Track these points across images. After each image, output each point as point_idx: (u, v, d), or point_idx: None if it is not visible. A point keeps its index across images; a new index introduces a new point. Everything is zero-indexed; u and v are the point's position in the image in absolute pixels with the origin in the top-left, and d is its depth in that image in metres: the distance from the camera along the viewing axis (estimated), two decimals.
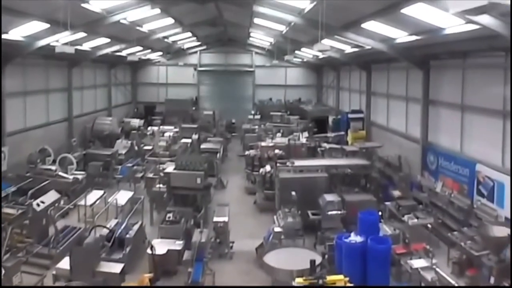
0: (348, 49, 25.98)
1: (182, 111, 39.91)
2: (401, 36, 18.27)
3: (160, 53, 40.89)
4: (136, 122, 35.02)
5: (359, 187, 19.10)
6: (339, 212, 15.62)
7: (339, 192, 17.76)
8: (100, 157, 24.80)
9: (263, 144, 23.03)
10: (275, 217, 16.08)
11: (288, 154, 23.52)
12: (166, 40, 33.28)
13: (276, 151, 22.85)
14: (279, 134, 27.07)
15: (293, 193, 15.71)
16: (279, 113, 37.55)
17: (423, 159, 21.23)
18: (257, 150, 23.09)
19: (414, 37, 17.61)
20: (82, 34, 22.89)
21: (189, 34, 33.40)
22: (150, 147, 29.34)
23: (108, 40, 27.14)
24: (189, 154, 23.56)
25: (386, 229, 14.45)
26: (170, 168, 18.54)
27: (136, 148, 27.93)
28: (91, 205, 18.71)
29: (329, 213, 15.49)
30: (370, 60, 27.88)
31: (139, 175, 22.68)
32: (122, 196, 19.65)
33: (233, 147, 35.48)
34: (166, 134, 28.42)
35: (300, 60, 41.52)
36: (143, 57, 40.37)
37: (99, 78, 36.71)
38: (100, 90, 36.93)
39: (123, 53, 34.57)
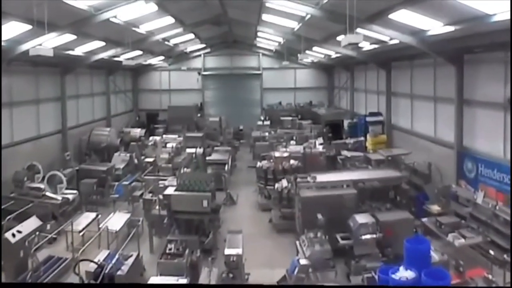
0: (367, 46, 23.48)
1: (186, 118, 37.45)
2: (435, 27, 15.77)
3: (162, 57, 38.66)
4: (136, 132, 32.49)
5: (389, 202, 16.55)
6: (374, 235, 13.07)
7: (369, 209, 15.25)
8: (95, 173, 22.40)
9: (276, 154, 20.48)
10: (297, 243, 13.54)
11: (305, 164, 21.03)
12: (166, 43, 30.94)
13: (292, 161, 20.33)
14: (292, 142, 24.51)
15: (319, 216, 13.18)
16: (290, 118, 35.04)
17: (458, 166, 18.71)
18: (270, 161, 20.57)
19: (450, 28, 15.12)
20: (71, 37, 20.58)
21: (192, 35, 30.94)
22: (152, 159, 26.90)
23: (102, 43, 24.83)
24: (192, 171, 20.82)
25: (432, 255, 11.88)
26: (170, 188, 16.02)
27: (135, 161, 25.48)
28: (80, 231, 16.30)
29: (363, 237, 12.94)
30: (390, 58, 25.41)
31: (138, 193, 20.17)
32: (118, 219, 17.25)
33: (242, 156, 33.04)
34: (169, 145, 25.88)
35: (310, 61, 39.06)
36: (144, 63, 38.28)
37: (96, 85, 34.35)
38: (97, 98, 34.55)
39: (121, 58, 32.30)
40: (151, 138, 30.88)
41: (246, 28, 30.01)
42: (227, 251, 12.41)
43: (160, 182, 20.58)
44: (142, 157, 26.70)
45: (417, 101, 23.42)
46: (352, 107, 34.39)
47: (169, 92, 43.01)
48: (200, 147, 18.02)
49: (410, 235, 14.43)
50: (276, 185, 18.02)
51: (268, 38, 32.08)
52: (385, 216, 14.31)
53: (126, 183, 20.70)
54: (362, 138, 25.88)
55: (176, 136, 34.08)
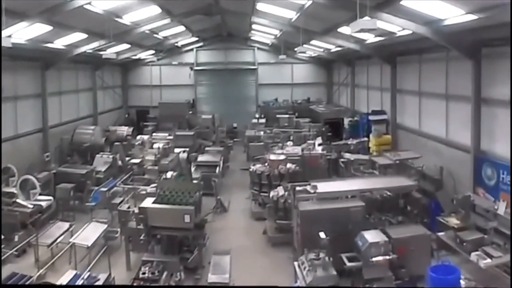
0: (371, 39, 21.56)
1: (177, 115, 35.46)
2: (454, 16, 13.84)
3: (152, 51, 36.67)
4: (123, 130, 30.40)
5: (400, 212, 14.66)
6: (387, 257, 11.14)
7: (378, 223, 13.35)
8: (73, 177, 20.42)
9: (272, 157, 18.53)
10: (296, 264, 11.61)
11: (303, 168, 19.13)
12: (156, 35, 28.90)
13: (289, 165, 18.41)
14: (290, 143, 22.56)
15: (322, 234, 11.23)
16: (287, 116, 33.10)
17: (475, 172, 16.76)
18: (264, 165, 18.65)
19: (471, 17, 13.21)
20: (46, 27, 18.61)
21: (182, 27, 28.90)
22: (138, 161, 24.93)
23: (83, 35, 22.78)
24: (175, 179, 18.74)
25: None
26: (149, 199, 14.02)
27: (120, 163, 23.49)
28: (49, 246, 14.39)
29: (374, 259, 11.00)
30: (396, 52, 23.48)
31: (118, 200, 18.17)
32: (93, 230, 15.25)
33: (235, 156, 31.12)
34: (155, 146, 23.84)
35: (308, 55, 37.11)
36: (133, 57, 36.28)
37: (82, 81, 32.28)
38: (83, 94, 32.50)
39: (108, 52, 30.28)
40: (138, 137, 28.87)
41: (240, 19, 27.99)
42: (211, 278, 10.46)
43: (142, 188, 18.80)
44: (128, 158, 24.77)
45: (426, 99, 21.49)
46: (352, 105, 32.44)
47: (160, 88, 41.01)
48: (184, 151, 15.88)
49: (426, 253, 12.63)
50: (271, 193, 16.09)
51: (263, 31, 30.08)
52: (397, 231, 12.36)
53: (105, 189, 18.65)
54: (365, 139, 23.94)
55: (167, 134, 32.20)
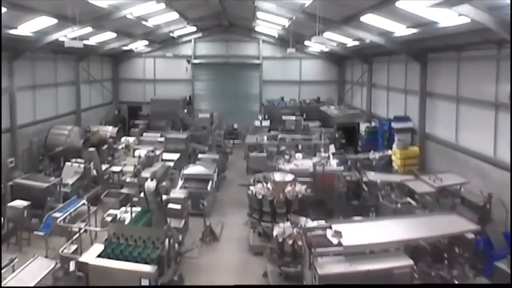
0: (401, 31, 17.64)
1: (171, 113, 31.72)
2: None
3: (145, 42, 32.77)
4: (107, 130, 26.50)
5: (453, 263, 10.81)
6: None
7: (426, 280, 9.51)
8: (32, 191, 16.58)
9: (276, 177, 14.62)
10: None
11: (316, 189, 15.30)
12: (144, 23, 24.96)
13: (298, 187, 14.54)
14: (299, 155, 18.64)
15: None
16: (294, 117, 29.24)
17: None
18: (267, 186, 14.78)
19: None
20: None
21: (175, 14, 24.94)
22: (119, 169, 21.14)
23: (53, 20, 18.99)
24: (136, 219, 13.26)
25: None
26: (94, 249, 10.11)
27: (94, 172, 19.68)
28: None
29: None
30: (428, 47, 19.56)
31: (79, 226, 14.24)
32: (36, 269, 11.35)
33: (234, 162, 27.25)
34: (137, 153, 19.95)
35: (318, 50, 33.14)
36: (124, 48, 32.40)
37: (62, 73, 28.38)
38: (64, 89, 28.58)
39: (91, 41, 26.50)
40: (123, 139, 25.04)
41: (242, 6, 24.06)
42: None
43: (110, 212, 15.02)
44: (106, 166, 20.97)
45: (466, 106, 17.57)
46: (369, 108, 28.44)
47: (154, 82, 37.11)
48: (152, 179, 11.89)
49: None
50: (275, 231, 12.18)
51: (269, 20, 26.07)
52: None
53: (59, 214, 14.63)
54: (390, 152, 19.99)
55: (158, 135, 28.52)
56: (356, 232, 9.64)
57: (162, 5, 20.91)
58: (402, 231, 9.94)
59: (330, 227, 9.69)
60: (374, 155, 18.80)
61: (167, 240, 10.05)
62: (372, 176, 15.55)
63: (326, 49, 30.84)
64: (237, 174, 24.34)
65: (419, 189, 13.72)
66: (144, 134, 29.55)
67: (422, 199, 13.67)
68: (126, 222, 12.48)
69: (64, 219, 14.28)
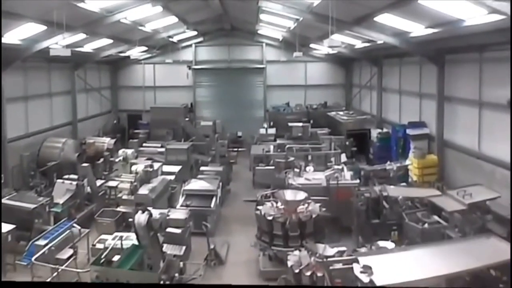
0: (419, 31, 16.20)
1: (172, 121, 30.27)
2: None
3: (144, 48, 31.43)
4: (104, 142, 25.06)
5: None
6: None
7: None
8: (17, 213, 15.18)
9: (288, 195, 13.17)
10: None
11: (331, 208, 13.87)
12: (141, 28, 23.61)
13: (311, 206, 13.10)
14: (309, 168, 17.18)
15: None
16: (301, 124, 27.73)
17: None
18: (276, 205, 13.34)
19: None
20: None
21: (174, 18, 23.59)
22: (116, 183, 19.67)
23: (41, 26, 17.70)
24: (125, 259, 11.19)
25: None
26: None
27: (88, 189, 18.28)
28: None
29: None
30: (445, 49, 18.14)
31: (67, 253, 12.83)
32: None
33: (239, 173, 25.81)
34: (134, 168, 18.52)
35: (325, 53, 31.69)
36: (122, 54, 31.04)
37: (57, 82, 27.07)
38: (59, 99, 27.28)
39: (86, 48, 25.20)
40: (121, 151, 23.58)
41: (245, 8, 22.70)
42: None
43: (102, 237, 13.65)
44: (102, 182, 19.56)
45: (490, 112, 16.11)
46: (379, 112, 26.97)
47: (154, 89, 35.72)
48: (143, 211, 10.38)
49: None
50: (290, 260, 10.69)
51: (274, 22, 24.66)
52: None
53: (44, 241, 13.18)
54: (408, 162, 18.49)
55: (159, 145, 27.14)
56: (388, 265, 8.19)
57: (159, 9, 19.55)
58: (441, 262, 8.47)
59: (357, 261, 8.24)
60: (391, 166, 17.27)
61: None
62: (392, 190, 14.05)
63: (332, 52, 29.40)
64: (243, 186, 22.89)
65: (449, 207, 12.23)
66: (144, 144, 28.19)
67: (451, 217, 12.17)
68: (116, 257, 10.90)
69: (51, 246, 12.83)
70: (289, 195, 13.25)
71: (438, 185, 15.28)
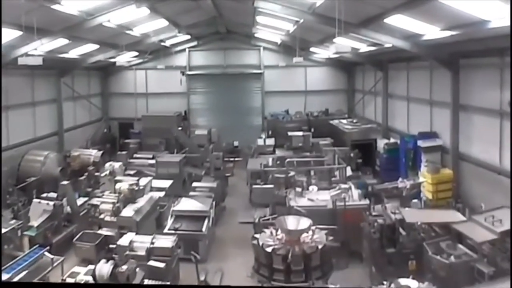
0: (433, 33, 14.53)
1: (165, 130, 28.55)
2: None
3: (135, 53, 29.82)
4: (90, 154, 23.33)
5: None
6: None
7: None
8: None
9: (289, 223, 11.42)
10: None
11: (338, 233, 12.17)
12: (129, 32, 21.94)
13: (317, 234, 11.39)
14: (313, 187, 15.43)
15: None
16: (301, 133, 26.13)
17: None
18: (278, 234, 11.61)
19: None
20: None
21: (164, 22, 21.91)
22: (99, 202, 17.86)
23: (17, 32, 15.98)
24: None
25: None
26: None
27: (68, 209, 16.56)
28: None
29: None
30: (459, 52, 16.51)
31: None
32: None
33: (235, 186, 24.00)
34: (118, 186, 16.73)
35: (325, 57, 30.04)
36: (111, 60, 29.30)
37: (41, 90, 25.41)
38: (43, 107, 25.57)
39: (71, 54, 23.57)
40: (107, 164, 21.80)
41: (240, 10, 21.05)
42: None
43: (75, 269, 11.98)
44: (84, 200, 17.79)
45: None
46: (385, 121, 25.28)
47: (146, 96, 34.00)
48: (108, 260, 8.68)
49: None
50: None
51: (271, 25, 22.99)
52: None
53: (7, 275, 11.40)
54: (422, 179, 16.76)
55: (150, 156, 25.50)
56: None
57: (146, 11, 17.85)
58: None
59: None
60: (403, 183, 15.52)
61: None
62: (408, 214, 12.30)
63: (334, 56, 27.72)
64: (240, 202, 21.15)
65: (478, 237, 10.49)
66: (135, 155, 26.53)
67: (480, 247, 10.46)
68: None
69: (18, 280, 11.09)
70: (291, 222, 11.50)
71: (458, 206, 13.54)
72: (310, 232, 11.55)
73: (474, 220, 11.32)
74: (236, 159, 28.91)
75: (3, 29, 15.55)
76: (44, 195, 17.21)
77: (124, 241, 13.16)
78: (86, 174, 20.66)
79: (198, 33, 30.51)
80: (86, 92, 31.48)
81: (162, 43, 29.07)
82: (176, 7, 19.99)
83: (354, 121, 27.12)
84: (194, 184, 19.56)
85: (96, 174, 21.01)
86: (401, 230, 11.88)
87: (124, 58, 28.37)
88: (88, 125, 31.57)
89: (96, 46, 23.57)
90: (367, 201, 14.06)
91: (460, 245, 10.96)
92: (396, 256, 11.81)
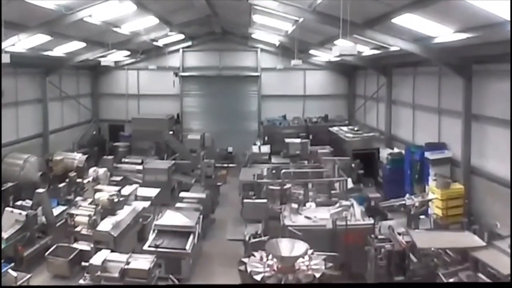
0: (446, 36, 13.14)
1: (156, 134, 27.15)
2: None
3: (126, 52, 28.46)
4: (74, 158, 21.88)
5: None
6: None
7: None
8: None
9: (282, 249, 10.00)
10: None
11: (339, 254, 10.79)
12: (116, 30, 20.52)
13: (315, 262, 9.97)
14: (310, 204, 14.01)
15: None
16: (299, 140, 24.76)
17: None
18: (269, 260, 10.18)
19: None
20: None
21: (154, 19, 20.50)
22: (78, 212, 16.38)
23: None
24: None
25: None
26: None
27: (43, 220, 15.15)
28: None
29: None
30: (473, 57, 15.15)
31: None
32: None
33: (227, 194, 22.64)
34: (97, 195, 15.29)
35: (325, 60, 28.67)
36: (101, 59, 27.81)
37: (25, 90, 23.94)
38: (26, 108, 24.08)
39: (56, 52, 22.18)
40: (91, 170, 20.35)
41: (236, 8, 19.65)
42: None
43: None
44: (63, 209, 16.40)
45: None
46: (389, 129, 23.87)
47: (137, 97, 32.55)
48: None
49: None
50: None
51: (269, 25, 21.62)
52: None
53: None
54: (432, 196, 15.31)
55: (139, 161, 24.20)
56: None
57: (132, 7, 16.43)
58: None
59: None
60: (411, 200, 14.06)
61: None
62: (418, 237, 10.85)
63: (334, 59, 26.31)
64: (231, 213, 19.69)
65: (503, 267, 9.06)
66: (123, 160, 25.16)
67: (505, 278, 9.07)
68: None
69: None
70: (284, 246, 10.07)
71: (474, 228, 12.11)
72: (307, 258, 10.15)
73: (496, 246, 9.92)
74: (230, 165, 27.51)
75: None
76: (20, 202, 15.84)
77: (97, 259, 11.78)
78: (67, 180, 19.20)
79: (192, 33, 29.10)
80: (75, 92, 30.03)
81: (155, 43, 27.64)
82: (166, 4, 18.59)
83: (355, 128, 25.69)
84: (182, 194, 18.12)
85: (79, 180, 19.53)
86: (412, 257, 10.44)
87: (115, 57, 26.92)
88: (77, 126, 30.11)
89: (83, 44, 22.13)
90: (371, 220, 12.62)
91: (482, 275, 9.55)
92: (406, 285, 10.39)
